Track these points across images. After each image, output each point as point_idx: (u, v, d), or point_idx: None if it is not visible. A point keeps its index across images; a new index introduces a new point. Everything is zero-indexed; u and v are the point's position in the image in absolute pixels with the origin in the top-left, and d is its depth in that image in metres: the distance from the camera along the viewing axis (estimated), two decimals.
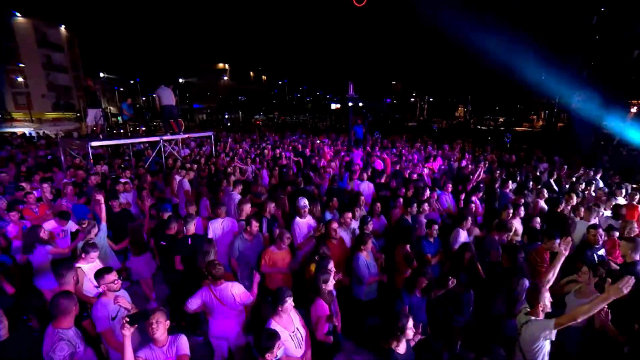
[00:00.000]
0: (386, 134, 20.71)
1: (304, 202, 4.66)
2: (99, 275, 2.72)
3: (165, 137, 9.53)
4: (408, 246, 4.52)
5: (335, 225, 4.15)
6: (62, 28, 41.87)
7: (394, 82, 60.27)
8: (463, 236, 4.91)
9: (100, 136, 8.87)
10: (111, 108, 40.00)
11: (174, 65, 56.75)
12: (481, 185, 7.89)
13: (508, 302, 3.67)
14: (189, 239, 4.18)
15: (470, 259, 4.12)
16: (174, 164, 9.27)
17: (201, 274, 3.61)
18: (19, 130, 30.56)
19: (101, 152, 11.76)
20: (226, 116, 60.19)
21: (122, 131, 11.21)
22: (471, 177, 8.71)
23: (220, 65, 69.33)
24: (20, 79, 37.81)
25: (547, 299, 2.76)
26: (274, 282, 4.10)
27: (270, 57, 75.93)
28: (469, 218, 5.05)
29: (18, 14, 37.13)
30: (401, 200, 5.79)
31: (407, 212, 5.31)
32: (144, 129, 17.19)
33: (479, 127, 40.41)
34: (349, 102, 14.28)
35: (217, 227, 4.52)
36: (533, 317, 2.77)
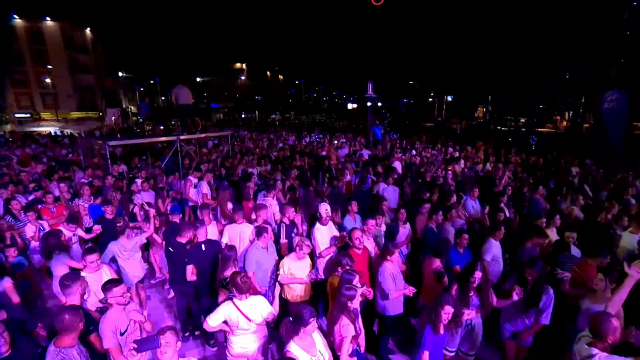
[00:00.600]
0: (403, 135, 20.20)
1: (326, 207, 4.38)
2: (107, 287, 2.54)
3: (182, 137, 9.48)
4: (438, 260, 4.18)
5: (359, 234, 3.85)
6: (88, 31, 43.26)
7: (411, 82, 59.21)
8: (495, 247, 4.53)
9: (118, 135, 8.89)
10: (132, 107, 40.99)
11: (193, 65, 57.77)
12: (509, 189, 7.43)
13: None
14: (202, 245, 3.97)
15: (483, 280, 3.63)
16: (190, 164, 9.20)
17: (218, 284, 3.38)
18: (45, 130, 31.73)
19: (120, 151, 11.87)
20: (243, 115, 60.70)
21: (138, 130, 11.25)
22: (497, 181, 8.24)
23: (238, 65, 70.06)
24: (48, 80, 39.29)
25: (618, 330, 2.36)
26: (293, 294, 3.86)
27: (287, 57, 76.20)
28: (502, 227, 4.65)
29: (48, 18, 38.67)
30: (427, 206, 5.43)
31: (433, 219, 4.95)
32: (162, 127, 17.37)
33: (499, 127, 39.01)
34: (368, 101, 13.98)
35: (233, 234, 4.30)
36: (600, 352, 2.37)
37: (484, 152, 13.42)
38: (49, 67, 39.12)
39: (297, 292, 3.88)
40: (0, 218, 5.23)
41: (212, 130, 16.68)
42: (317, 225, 4.34)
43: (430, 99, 53.01)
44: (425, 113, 48.34)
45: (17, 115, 37.55)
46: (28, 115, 38.95)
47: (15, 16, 37.33)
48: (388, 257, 3.77)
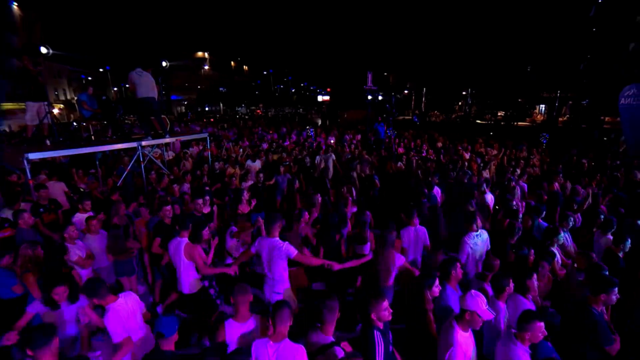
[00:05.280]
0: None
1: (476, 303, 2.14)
2: None
3: (145, 142, 6.89)
4: None
5: None
6: (15, 6, 36.82)
7: (385, 74, 58.29)
8: None
9: (47, 142, 6.09)
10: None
11: (149, 53, 52.12)
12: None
13: None
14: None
15: None
16: (159, 179, 6.68)
17: None
18: None
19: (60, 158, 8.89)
20: (207, 109, 56.44)
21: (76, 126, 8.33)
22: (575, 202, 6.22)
23: (200, 53, 64.93)
24: None
25: None
26: None
27: (252, 47, 72.22)
28: None
29: None
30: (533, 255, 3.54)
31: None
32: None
33: (477, 121, 39.29)
34: (368, 94, 12.04)
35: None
36: None
37: (497, 151, 11.78)
38: None
39: None
40: None
41: (181, 129, 13.88)
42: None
43: (405, 92, 52.45)
44: (400, 107, 47.71)
45: None
46: None
47: None
48: None
